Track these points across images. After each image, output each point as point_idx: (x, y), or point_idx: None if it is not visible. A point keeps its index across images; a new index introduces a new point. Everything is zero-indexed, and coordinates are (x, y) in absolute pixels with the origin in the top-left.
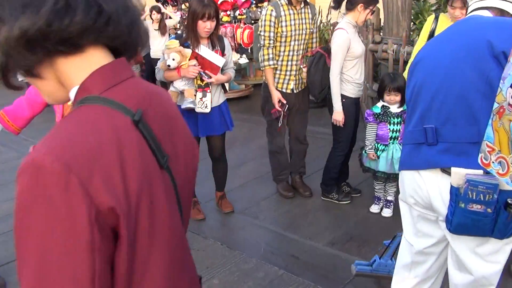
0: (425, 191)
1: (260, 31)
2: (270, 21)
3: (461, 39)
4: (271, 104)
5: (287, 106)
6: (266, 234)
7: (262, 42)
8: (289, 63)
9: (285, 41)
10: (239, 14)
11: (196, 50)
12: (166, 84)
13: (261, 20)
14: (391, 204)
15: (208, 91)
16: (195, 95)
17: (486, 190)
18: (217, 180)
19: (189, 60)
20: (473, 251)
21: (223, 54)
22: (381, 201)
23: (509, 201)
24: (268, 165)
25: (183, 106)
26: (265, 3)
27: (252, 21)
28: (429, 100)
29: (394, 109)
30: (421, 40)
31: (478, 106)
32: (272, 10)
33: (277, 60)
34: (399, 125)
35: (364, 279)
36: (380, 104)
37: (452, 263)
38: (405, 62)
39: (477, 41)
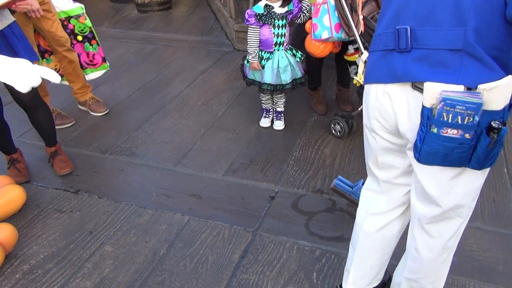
0: (391, 111)
1: None
2: None
3: None
4: None
5: None
6: (153, 174)
7: None
8: None
9: None
10: None
11: None
12: None
13: None
14: (282, 115)
15: None
16: None
17: (466, 112)
18: (41, 132)
19: None
20: (442, 183)
21: None
22: (270, 113)
23: (493, 125)
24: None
25: None
26: None
27: None
28: None
29: (278, 9)
30: None
31: (468, 3)
32: None
33: None
34: (284, 28)
35: (281, 206)
36: (262, 3)
37: (416, 194)
38: None
39: None
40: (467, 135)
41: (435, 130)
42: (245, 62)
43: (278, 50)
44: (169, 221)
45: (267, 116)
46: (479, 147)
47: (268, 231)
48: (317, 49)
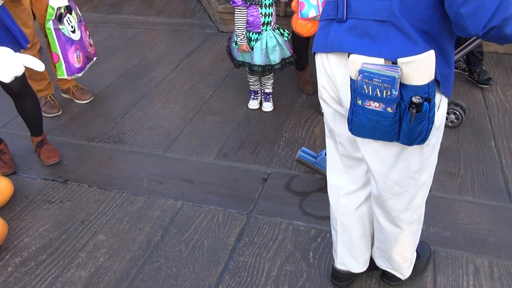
0: (334, 80)
1: None
2: None
3: None
4: None
5: None
6: (142, 160)
7: None
8: None
9: None
10: None
11: None
12: None
13: None
14: (270, 96)
15: None
16: None
17: (383, 85)
18: (28, 121)
19: None
20: (383, 159)
21: None
22: (258, 94)
23: (414, 100)
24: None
25: None
26: None
27: None
28: None
29: None
30: None
31: None
32: None
33: None
34: (271, 7)
35: (274, 188)
36: None
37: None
38: None
39: None
40: (389, 109)
41: (359, 102)
42: (233, 44)
43: (266, 30)
44: (162, 207)
45: (255, 98)
46: (403, 122)
47: (262, 213)
48: (304, 28)
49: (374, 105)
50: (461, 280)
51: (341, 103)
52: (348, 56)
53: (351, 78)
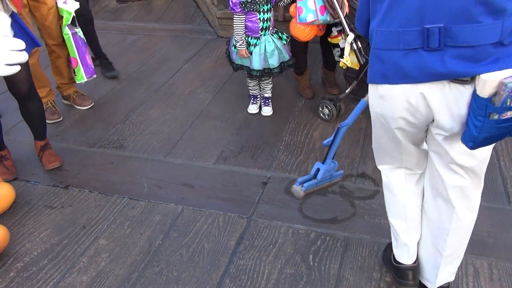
0: (424, 110)
1: None
2: None
3: None
4: None
5: None
6: (143, 165)
7: None
8: None
9: None
10: None
11: None
12: None
13: None
14: (269, 101)
15: None
16: None
17: None
18: (33, 125)
19: None
20: (471, 154)
21: None
22: (258, 99)
23: None
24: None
25: None
26: None
27: None
28: None
29: None
30: None
31: None
32: None
33: None
34: (269, 12)
35: (274, 192)
36: None
37: (446, 168)
38: None
39: None
40: None
41: (495, 117)
42: (232, 47)
43: (264, 35)
44: (163, 212)
45: (254, 102)
46: None
47: (262, 216)
48: (302, 32)
49: (510, 114)
50: (461, 281)
51: (423, 126)
52: (450, 80)
53: (480, 98)
